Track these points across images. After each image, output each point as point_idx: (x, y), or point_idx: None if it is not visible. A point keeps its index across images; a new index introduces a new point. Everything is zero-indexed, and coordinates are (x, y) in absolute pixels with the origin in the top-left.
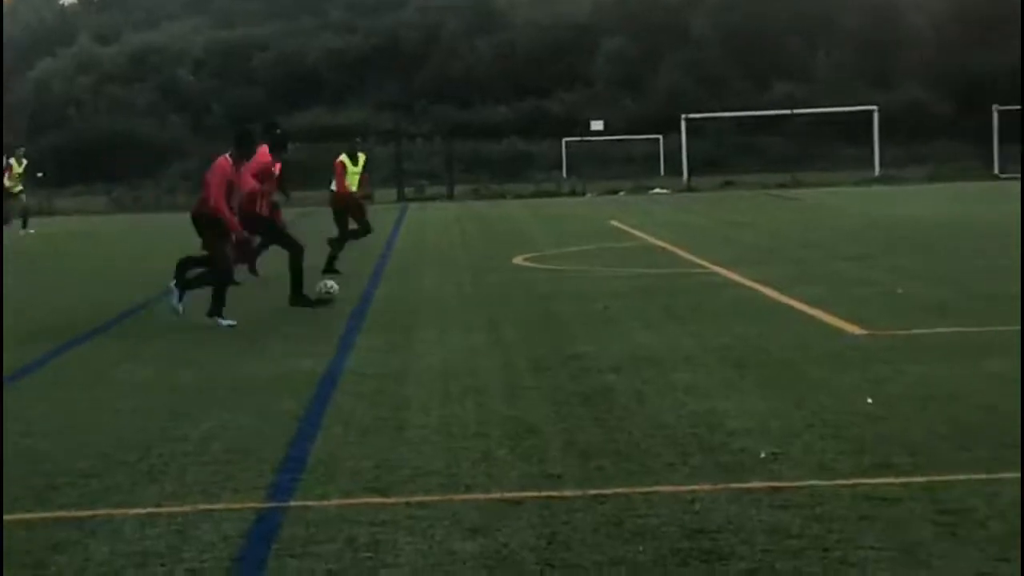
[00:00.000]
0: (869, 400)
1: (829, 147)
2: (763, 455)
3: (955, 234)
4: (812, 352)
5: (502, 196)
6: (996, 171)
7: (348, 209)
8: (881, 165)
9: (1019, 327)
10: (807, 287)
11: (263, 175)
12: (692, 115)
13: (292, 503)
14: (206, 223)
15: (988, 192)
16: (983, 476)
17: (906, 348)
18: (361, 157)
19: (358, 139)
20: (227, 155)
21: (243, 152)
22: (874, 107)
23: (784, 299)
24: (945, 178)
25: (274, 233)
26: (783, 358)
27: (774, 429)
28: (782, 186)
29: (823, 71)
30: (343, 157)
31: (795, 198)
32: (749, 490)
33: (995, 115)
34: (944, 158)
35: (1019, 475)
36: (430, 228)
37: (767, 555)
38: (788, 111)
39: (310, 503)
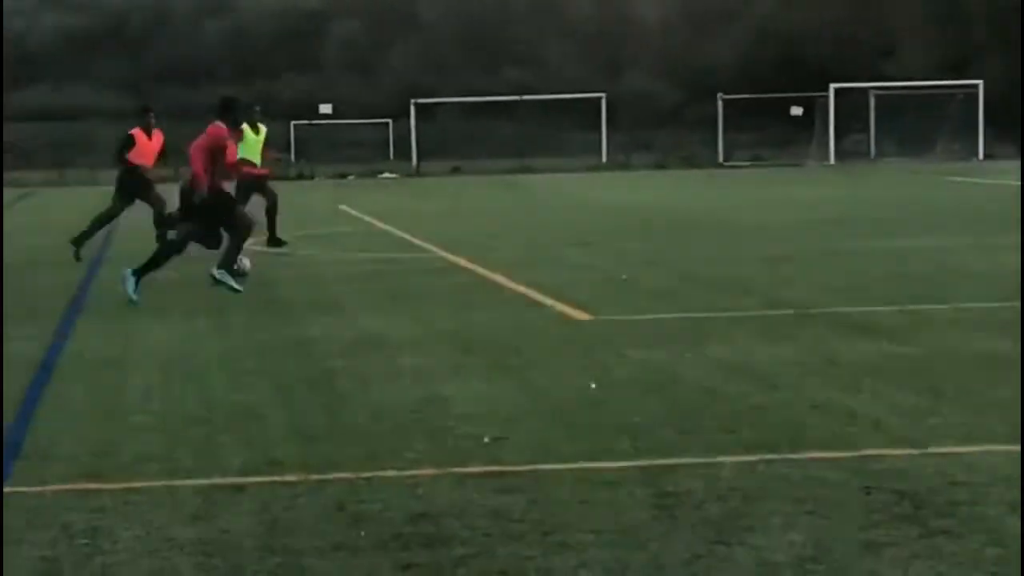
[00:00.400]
0: (592, 385)
1: (558, 133)
2: (486, 439)
3: (680, 221)
4: (537, 337)
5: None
6: (721, 159)
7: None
8: (609, 152)
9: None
10: (534, 273)
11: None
12: (421, 100)
13: (6, 489)
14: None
15: (713, 180)
16: (702, 460)
17: (630, 333)
18: (262, 128)
19: (257, 108)
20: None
21: (229, 121)
22: (602, 94)
23: (511, 284)
24: (672, 165)
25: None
26: (508, 343)
27: (498, 413)
28: (511, 172)
29: (553, 58)
30: (244, 126)
31: (524, 184)
32: (472, 474)
33: (720, 104)
34: (671, 146)
35: (739, 458)
36: None
37: (488, 539)
38: (518, 97)
39: (24, 489)
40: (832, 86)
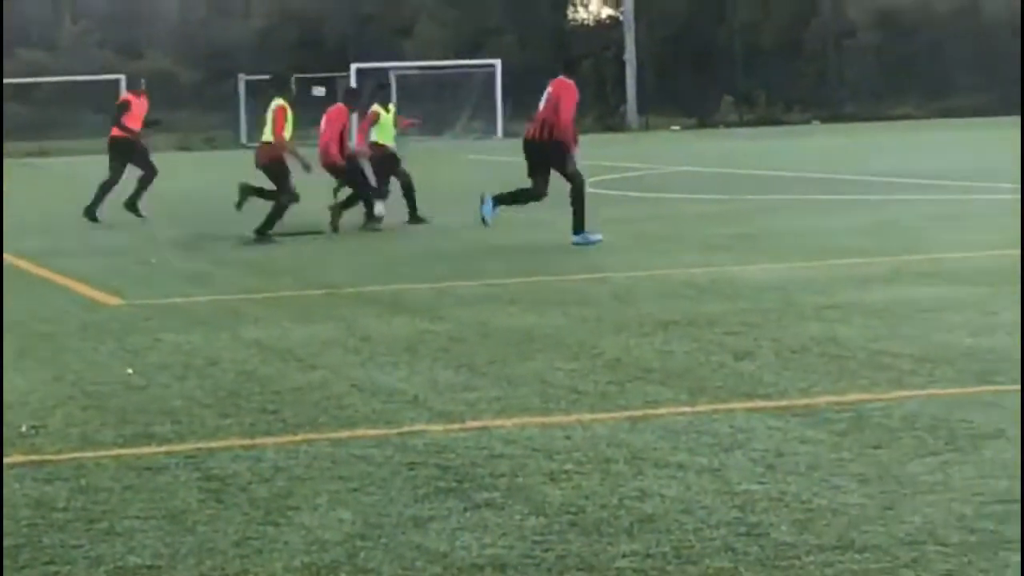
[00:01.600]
0: (129, 370)
1: (76, 116)
2: (24, 429)
3: (206, 204)
4: (69, 324)
5: None
6: (244, 140)
7: (382, 163)
8: None
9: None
10: (61, 258)
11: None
12: None
13: None
14: (539, 150)
15: (237, 160)
16: (245, 442)
17: (163, 317)
18: (391, 107)
19: (386, 83)
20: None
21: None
22: (121, 76)
23: (38, 271)
24: (195, 147)
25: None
26: (39, 331)
27: (33, 402)
28: (30, 155)
29: (68, 39)
30: (376, 107)
31: (44, 167)
32: (12, 464)
33: (242, 85)
34: (192, 127)
35: (282, 439)
36: None
37: (33, 529)
38: (34, 79)
39: None
40: (353, 66)
